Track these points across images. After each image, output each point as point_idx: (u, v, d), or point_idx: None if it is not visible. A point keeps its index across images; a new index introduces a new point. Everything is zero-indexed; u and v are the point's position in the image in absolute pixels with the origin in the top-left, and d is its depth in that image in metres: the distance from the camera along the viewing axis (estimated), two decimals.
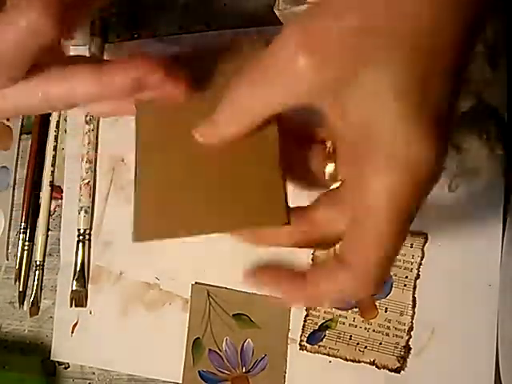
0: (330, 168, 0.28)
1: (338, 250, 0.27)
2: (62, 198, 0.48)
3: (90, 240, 0.47)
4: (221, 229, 0.29)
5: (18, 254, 0.48)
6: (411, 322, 0.40)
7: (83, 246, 0.46)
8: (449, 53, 0.22)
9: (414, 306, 0.40)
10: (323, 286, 0.26)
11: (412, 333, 0.39)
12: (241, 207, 0.29)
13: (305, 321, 0.41)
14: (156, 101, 0.29)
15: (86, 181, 0.46)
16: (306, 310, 0.41)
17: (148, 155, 0.30)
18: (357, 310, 0.41)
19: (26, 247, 0.48)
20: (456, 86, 0.23)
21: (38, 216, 0.49)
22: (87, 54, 0.46)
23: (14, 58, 0.24)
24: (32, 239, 0.48)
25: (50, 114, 0.49)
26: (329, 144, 0.28)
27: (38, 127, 0.49)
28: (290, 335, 0.42)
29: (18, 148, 0.50)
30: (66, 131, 0.49)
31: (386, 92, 0.22)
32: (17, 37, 0.24)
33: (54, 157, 0.49)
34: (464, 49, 0.22)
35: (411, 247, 0.40)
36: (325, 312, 0.41)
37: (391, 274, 0.40)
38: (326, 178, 0.29)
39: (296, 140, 0.29)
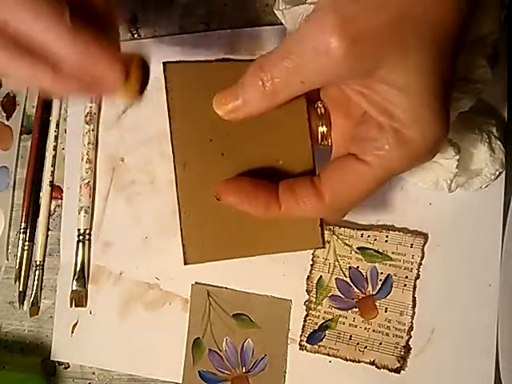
0: (322, 129, 0.31)
1: (314, 180, 0.29)
2: (61, 198, 0.48)
3: (89, 240, 0.47)
4: (262, 252, 0.32)
5: (18, 254, 0.48)
6: (411, 322, 0.40)
7: (83, 245, 0.46)
8: (458, 38, 0.25)
9: (414, 306, 0.40)
10: (295, 210, 0.29)
11: (412, 333, 0.39)
12: (281, 230, 0.31)
13: (305, 321, 0.41)
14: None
15: (86, 181, 0.46)
16: (306, 310, 0.41)
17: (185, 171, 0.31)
18: (357, 310, 0.41)
19: (26, 247, 0.48)
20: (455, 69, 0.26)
21: (38, 216, 0.49)
22: None
23: None
24: (32, 239, 0.49)
25: (49, 114, 0.49)
26: (320, 105, 0.31)
27: (38, 127, 0.49)
28: (289, 335, 0.42)
29: (18, 148, 0.50)
30: (65, 131, 0.49)
31: (414, 79, 0.24)
32: None
33: (54, 157, 0.49)
34: (464, 34, 0.26)
35: (411, 247, 0.40)
36: (325, 312, 0.41)
37: (391, 273, 0.40)
38: (319, 137, 0.31)
39: None
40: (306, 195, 0.28)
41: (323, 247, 0.32)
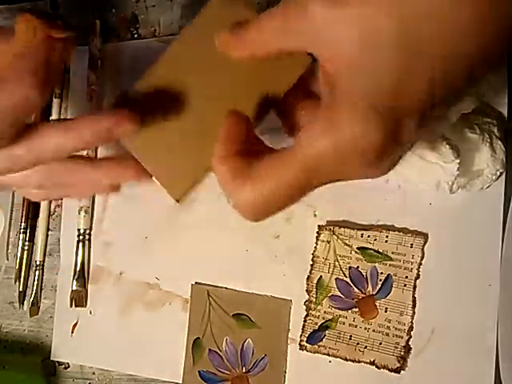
0: None
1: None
2: (61, 198, 0.48)
3: (89, 240, 0.47)
4: None
5: (18, 254, 0.48)
6: (411, 322, 0.40)
7: (83, 245, 0.46)
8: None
9: (414, 306, 0.40)
10: None
11: (412, 333, 0.39)
12: None
13: (305, 321, 0.41)
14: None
15: None
16: (306, 310, 0.41)
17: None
18: (357, 310, 0.41)
19: (26, 247, 0.48)
20: None
21: (38, 216, 0.49)
22: (87, 54, 0.46)
23: (8, 121, 0.28)
24: (32, 239, 0.48)
25: (49, 114, 0.49)
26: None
27: None
28: (289, 335, 0.42)
29: None
30: None
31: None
32: (11, 103, 0.28)
33: None
34: None
35: (411, 247, 0.40)
36: (325, 312, 0.41)
37: (391, 273, 0.40)
38: None
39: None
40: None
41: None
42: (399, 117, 0.23)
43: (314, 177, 0.25)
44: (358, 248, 0.41)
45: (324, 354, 0.41)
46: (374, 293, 0.40)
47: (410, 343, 0.39)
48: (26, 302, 0.48)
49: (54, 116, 0.49)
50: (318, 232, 0.42)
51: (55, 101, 0.48)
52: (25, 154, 0.30)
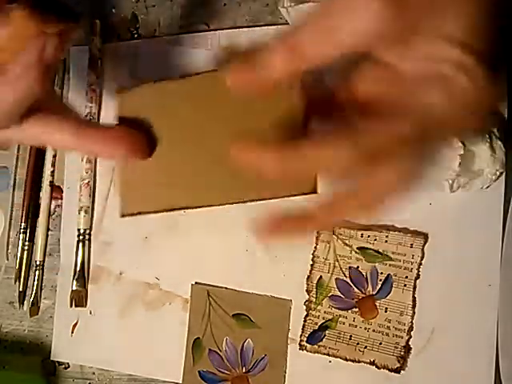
0: None
1: None
2: (61, 198, 0.48)
3: (89, 240, 0.47)
4: (225, 200, 0.30)
5: (18, 254, 0.48)
6: (411, 322, 0.40)
7: (83, 245, 0.46)
8: None
9: (414, 306, 0.40)
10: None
11: (412, 333, 0.39)
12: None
13: (305, 321, 0.41)
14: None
15: (86, 181, 0.46)
16: (306, 310, 0.41)
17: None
18: (357, 310, 0.41)
19: (26, 247, 0.48)
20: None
21: (38, 216, 0.48)
22: (87, 54, 0.46)
23: (11, 112, 0.30)
24: (32, 239, 0.48)
25: None
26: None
27: None
28: (289, 335, 0.42)
29: (18, 148, 0.50)
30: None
31: (454, 35, 0.23)
32: (16, 96, 0.29)
33: (54, 157, 0.48)
34: None
35: (411, 247, 0.40)
36: (325, 312, 0.41)
37: (391, 273, 0.40)
38: None
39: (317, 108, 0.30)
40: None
41: (315, 192, 0.29)
42: None
43: None
44: (358, 248, 0.41)
45: (324, 353, 0.41)
46: (374, 293, 0.40)
47: (410, 343, 0.39)
48: (25, 302, 0.48)
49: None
50: (317, 232, 0.42)
51: None
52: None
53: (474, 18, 0.24)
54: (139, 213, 0.31)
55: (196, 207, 0.30)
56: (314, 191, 0.29)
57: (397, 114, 0.25)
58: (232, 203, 0.30)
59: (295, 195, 0.30)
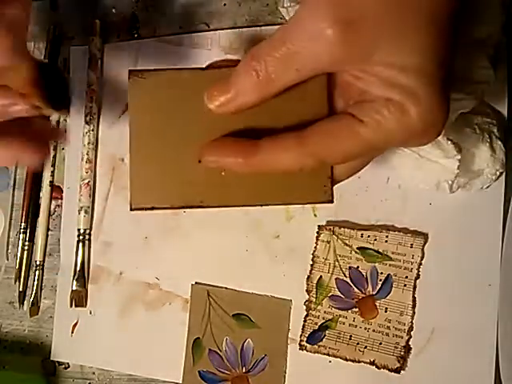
0: None
1: (301, 131, 0.27)
2: (61, 198, 0.48)
3: (89, 240, 0.47)
4: (246, 202, 0.30)
5: (18, 254, 0.48)
6: (411, 322, 0.40)
7: (83, 245, 0.46)
8: (455, 18, 0.24)
9: (414, 306, 0.40)
10: (273, 158, 0.27)
11: (412, 333, 0.39)
12: (277, 180, 0.29)
13: (305, 321, 0.41)
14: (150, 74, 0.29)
15: (86, 181, 0.46)
16: (306, 310, 0.41)
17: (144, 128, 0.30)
18: (357, 310, 0.41)
19: (26, 247, 0.48)
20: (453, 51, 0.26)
21: (38, 216, 0.48)
22: (87, 54, 0.46)
23: None
24: (32, 239, 0.48)
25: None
26: None
27: None
28: (289, 335, 0.42)
29: None
30: (65, 131, 0.49)
31: (413, 60, 0.24)
32: None
33: (54, 157, 0.48)
34: (460, 15, 0.25)
35: (411, 247, 0.40)
36: (325, 312, 0.41)
37: (391, 273, 0.40)
38: None
39: None
40: (286, 141, 0.27)
41: (331, 201, 0.29)
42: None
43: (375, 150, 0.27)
44: (358, 248, 0.41)
45: (324, 353, 0.41)
46: (374, 293, 0.40)
47: (410, 343, 0.39)
48: (26, 302, 0.48)
49: (54, 116, 0.49)
50: (317, 232, 0.42)
51: None
52: None
53: (432, 47, 0.24)
54: (152, 208, 0.30)
55: (210, 207, 0.30)
56: (331, 201, 0.30)
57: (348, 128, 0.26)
58: (248, 205, 0.30)
59: (311, 203, 0.30)
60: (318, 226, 0.42)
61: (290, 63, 0.25)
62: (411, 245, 0.40)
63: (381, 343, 0.40)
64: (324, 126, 0.26)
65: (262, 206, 0.30)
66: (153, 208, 0.30)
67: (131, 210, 0.30)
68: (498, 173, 0.37)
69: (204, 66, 0.30)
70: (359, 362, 0.40)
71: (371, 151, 0.27)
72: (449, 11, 0.24)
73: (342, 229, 0.41)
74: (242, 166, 0.27)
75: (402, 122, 0.25)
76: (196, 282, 0.44)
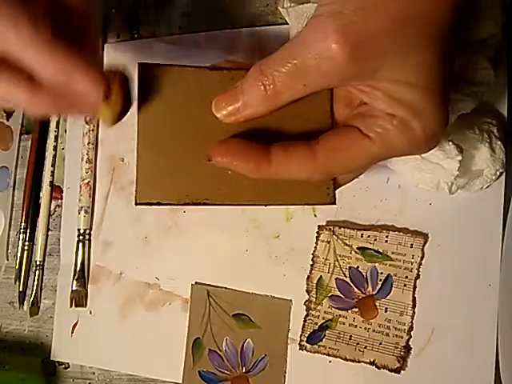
0: None
1: (311, 142, 0.28)
2: (62, 198, 0.48)
3: (89, 240, 0.47)
4: (248, 201, 0.30)
5: (18, 254, 0.48)
6: (411, 322, 0.40)
7: (83, 245, 0.46)
8: (454, 36, 0.26)
9: (414, 306, 0.40)
10: (284, 169, 0.28)
11: (412, 333, 0.39)
12: (281, 182, 0.29)
13: (305, 321, 0.41)
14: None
15: (86, 181, 0.46)
16: (306, 310, 0.41)
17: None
18: (357, 310, 0.41)
19: (26, 247, 0.48)
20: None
21: (38, 216, 0.49)
22: None
23: None
24: (32, 239, 0.49)
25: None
26: None
27: (38, 127, 0.49)
28: (290, 335, 0.42)
29: (18, 148, 0.50)
30: (66, 131, 0.49)
31: (415, 77, 0.25)
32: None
33: (54, 157, 0.49)
34: (458, 32, 0.26)
35: (411, 247, 0.40)
36: (325, 312, 0.41)
37: (391, 273, 0.40)
38: None
39: None
40: (298, 154, 0.28)
41: (334, 203, 0.31)
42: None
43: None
44: (358, 248, 0.41)
45: (324, 353, 0.41)
46: (374, 293, 0.40)
47: (410, 343, 0.39)
48: (25, 302, 0.48)
49: (53, 116, 0.49)
50: (317, 232, 0.42)
51: None
52: None
53: (434, 63, 0.25)
54: (157, 203, 0.30)
55: (215, 204, 0.30)
56: (333, 203, 0.30)
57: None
58: (252, 205, 0.30)
59: (314, 204, 0.31)
60: (318, 226, 0.42)
61: (297, 79, 0.26)
62: (411, 245, 0.40)
63: (381, 343, 0.40)
64: (333, 142, 0.28)
65: (265, 205, 0.30)
66: (158, 203, 0.30)
67: (136, 204, 0.29)
68: (497, 173, 0.37)
69: (208, 66, 0.30)
70: (359, 362, 0.40)
71: (376, 162, 0.28)
72: (449, 30, 0.25)
73: (342, 229, 0.41)
74: (252, 171, 0.28)
75: (407, 136, 0.26)
76: (196, 282, 0.44)
